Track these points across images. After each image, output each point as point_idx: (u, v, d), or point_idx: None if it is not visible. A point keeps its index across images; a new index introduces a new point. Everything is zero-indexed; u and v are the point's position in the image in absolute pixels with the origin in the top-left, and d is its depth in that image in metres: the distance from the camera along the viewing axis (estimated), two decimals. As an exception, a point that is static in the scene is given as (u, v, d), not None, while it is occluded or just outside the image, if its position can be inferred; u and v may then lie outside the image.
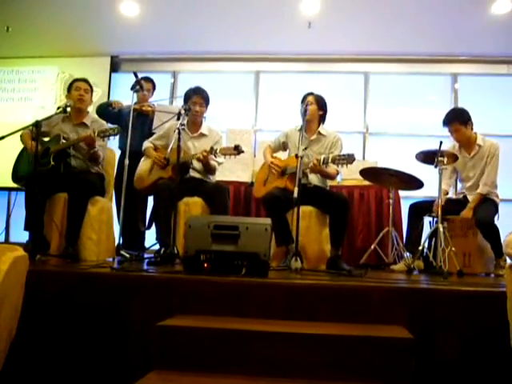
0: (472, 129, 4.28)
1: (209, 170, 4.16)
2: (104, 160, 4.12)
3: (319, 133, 4.15)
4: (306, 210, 3.93)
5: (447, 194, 4.42)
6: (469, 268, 4.00)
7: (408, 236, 4.36)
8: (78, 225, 3.73)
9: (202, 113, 4.24)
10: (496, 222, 4.12)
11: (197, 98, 4.17)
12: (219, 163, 4.18)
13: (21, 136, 4.01)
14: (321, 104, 4.17)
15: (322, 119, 4.21)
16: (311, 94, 4.18)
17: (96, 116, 4.57)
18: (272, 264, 3.36)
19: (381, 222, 5.20)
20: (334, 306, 2.48)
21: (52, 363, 2.54)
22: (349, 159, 3.69)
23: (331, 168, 3.94)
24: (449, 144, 4.48)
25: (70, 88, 4.14)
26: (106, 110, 5.09)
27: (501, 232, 3.98)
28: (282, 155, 4.39)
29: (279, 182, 4.04)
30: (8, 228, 5.86)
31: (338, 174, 4.15)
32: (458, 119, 4.25)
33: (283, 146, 4.33)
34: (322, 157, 3.83)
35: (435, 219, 4.02)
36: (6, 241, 5.97)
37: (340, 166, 3.79)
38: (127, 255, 3.86)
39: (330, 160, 3.76)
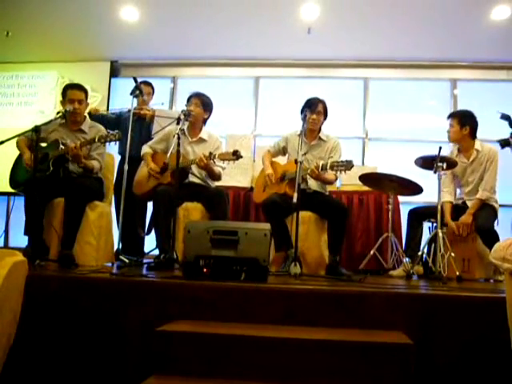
0: (470, 135, 4.26)
1: (213, 176, 4.15)
2: (102, 168, 4.09)
3: (319, 138, 4.16)
4: (305, 215, 3.93)
5: (452, 203, 4.37)
6: (468, 273, 3.99)
7: (407, 241, 4.36)
8: (75, 230, 3.72)
9: (199, 114, 4.17)
10: (495, 227, 4.12)
11: (194, 99, 4.19)
12: (223, 168, 4.18)
13: (17, 143, 3.97)
14: (326, 114, 4.18)
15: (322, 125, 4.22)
16: (320, 101, 4.11)
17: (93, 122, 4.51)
18: (271, 269, 3.36)
19: (380, 227, 5.20)
20: (333, 311, 2.48)
21: (51, 368, 2.53)
22: (347, 166, 3.69)
23: (330, 174, 3.94)
24: (448, 150, 4.48)
25: (63, 95, 4.05)
26: (99, 119, 5.03)
27: (500, 238, 3.97)
28: (282, 160, 4.40)
29: (278, 188, 4.05)
30: (7, 233, 5.86)
31: (336, 179, 4.16)
32: (458, 117, 4.29)
33: (283, 151, 4.33)
34: (321, 163, 3.83)
35: (434, 224, 4.02)
36: (6, 245, 5.98)
37: (338, 172, 3.80)
38: (126, 260, 3.85)
39: (328, 166, 3.77)
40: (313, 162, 3.98)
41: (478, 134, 4.36)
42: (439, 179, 3.83)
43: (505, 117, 4.53)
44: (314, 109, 4.06)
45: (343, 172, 3.76)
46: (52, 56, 6.88)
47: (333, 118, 4.32)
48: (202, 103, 4.20)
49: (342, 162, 3.73)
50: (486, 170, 4.21)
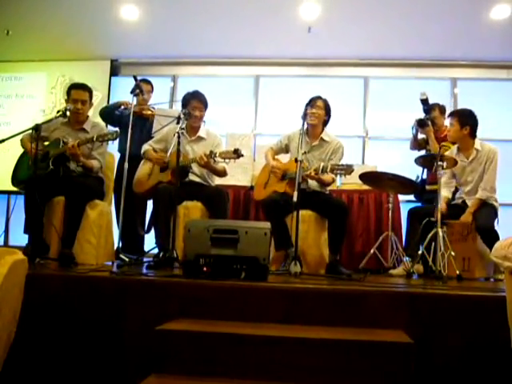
0: (470, 135, 4.24)
1: (218, 173, 4.16)
2: (103, 168, 4.08)
3: (322, 139, 4.13)
4: (305, 214, 3.92)
5: (449, 200, 4.38)
6: (468, 272, 3.99)
7: (407, 240, 4.36)
8: (75, 228, 3.73)
9: (202, 117, 4.22)
10: (496, 226, 4.11)
11: (196, 102, 4.15)
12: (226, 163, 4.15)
13: (21, 140, 4.01)
14: (327, 109, 4.15)
15: (325, 124, 4.19)
16: (320, 97, 4.13)
17: (96, 120, 4.51)
18: (271, 268, 3.36)
19: (380, 226, 5.19)
20: (333, 310, 2.48)
21: (50, 367, 2.53)
22: (347, 170, 3.68)
23: (326, 176, 3.92)
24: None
25: (68, 94, 4.06)
26: (112, 113, 5.06)
27: (500, 237, 3.97)
28: (284, 157, 4.38)
29: (279, 187, 4.04)
30: (7, 231, 5.86)
31: (333, 181, 4.13)
32: (458, 116, 4.26)
33: (285, 149, 4.32)
34: (321, 165, 3.81)
35: (434, 224, 4.01)
36: (6, 244, 5.98)
37: (338, 175, 3.79)
38: (126, 259, 3.85)
39: (328, 169, 3.75)
40: (313, 163, 3.97)
41: (478, 133, 4.34)
42: (439, 178, 3.83)
43: (424, 101, 4.53)
44: (313, 104, 4.09)
45: (343, 176, 3.77)
46: (52, 55, 6.88)
47: (333, 116, 4.28)
48: (204, 105, 4.20)
49: (342, 165, 3.72)
50: (486, 169, 4.18)
